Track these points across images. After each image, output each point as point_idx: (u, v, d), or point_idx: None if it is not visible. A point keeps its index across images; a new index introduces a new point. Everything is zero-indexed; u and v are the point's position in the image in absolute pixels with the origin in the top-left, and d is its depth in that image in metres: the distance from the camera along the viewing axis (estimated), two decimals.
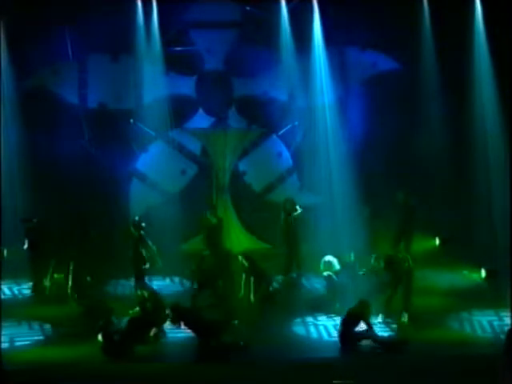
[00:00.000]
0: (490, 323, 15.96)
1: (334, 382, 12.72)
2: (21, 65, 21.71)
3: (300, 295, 18.25)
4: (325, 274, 17.32)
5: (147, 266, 17.63)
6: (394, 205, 20.15)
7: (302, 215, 19.42)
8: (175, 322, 15.16)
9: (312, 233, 19.46)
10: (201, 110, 23.28)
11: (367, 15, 21.73)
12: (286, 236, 19.40)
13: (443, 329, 15.86)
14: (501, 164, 20.11)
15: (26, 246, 18.39)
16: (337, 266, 17.38)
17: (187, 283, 18.76)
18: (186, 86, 23.15)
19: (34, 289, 18.27)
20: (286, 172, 23.36)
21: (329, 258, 17.46)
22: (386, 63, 23.15)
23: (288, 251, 19.37)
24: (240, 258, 17.70)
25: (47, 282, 18.26)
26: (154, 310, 15.30)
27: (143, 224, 17.94)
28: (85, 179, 21.76)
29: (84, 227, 19.50)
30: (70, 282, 17.80)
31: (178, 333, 15.42)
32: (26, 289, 18.44)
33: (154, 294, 15.90)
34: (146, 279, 17.75)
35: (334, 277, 17.20)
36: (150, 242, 17.85)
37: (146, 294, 15.67)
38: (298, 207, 19.45)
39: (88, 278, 18.49)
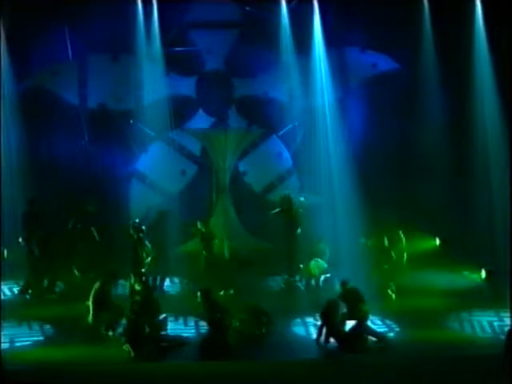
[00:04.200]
0: (490, 323, 15.97)
1: None
2: (21, 65, 21.73)
3: (300, 295, 18.25)
4: (324, 276, 17.94)
5: (146, 268, 17.65)
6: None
7: (304, 211, 19.47)
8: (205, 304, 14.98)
9: (311, 233, 19.43)
10: (201, 111, 23.31)
11: (367, 16, 21.74)
12: (285, 235, 19.39)
13: (443, 329, 15.86)
14: (501, 164, 20.09)
15: (20, 240, 18.40)
16: (325, 265, 17.93)
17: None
18: (187, 87, 23.17)
19: (33, 290, 18.25)
20: (286, 172, 23.37)
21: (315, 261, 18.13)
22: (385, 64, 23.17)
23: (288, 252, 19.35)
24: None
25: (46, 283, 18.27)
26: (144, 304, 15.24)
27: (143, 227, 17.93)
28: (85, 179, 21.78)
29: (84, 227, 19.48)
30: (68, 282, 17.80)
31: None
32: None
33: (146, 289, 15.93)
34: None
35: (336, 279, 17.37)
36: (148, 245, 17.83)
37: (137, 286, 15.89)
38: (301, 198, 19.58)
39: (91, 275, 18.59)
